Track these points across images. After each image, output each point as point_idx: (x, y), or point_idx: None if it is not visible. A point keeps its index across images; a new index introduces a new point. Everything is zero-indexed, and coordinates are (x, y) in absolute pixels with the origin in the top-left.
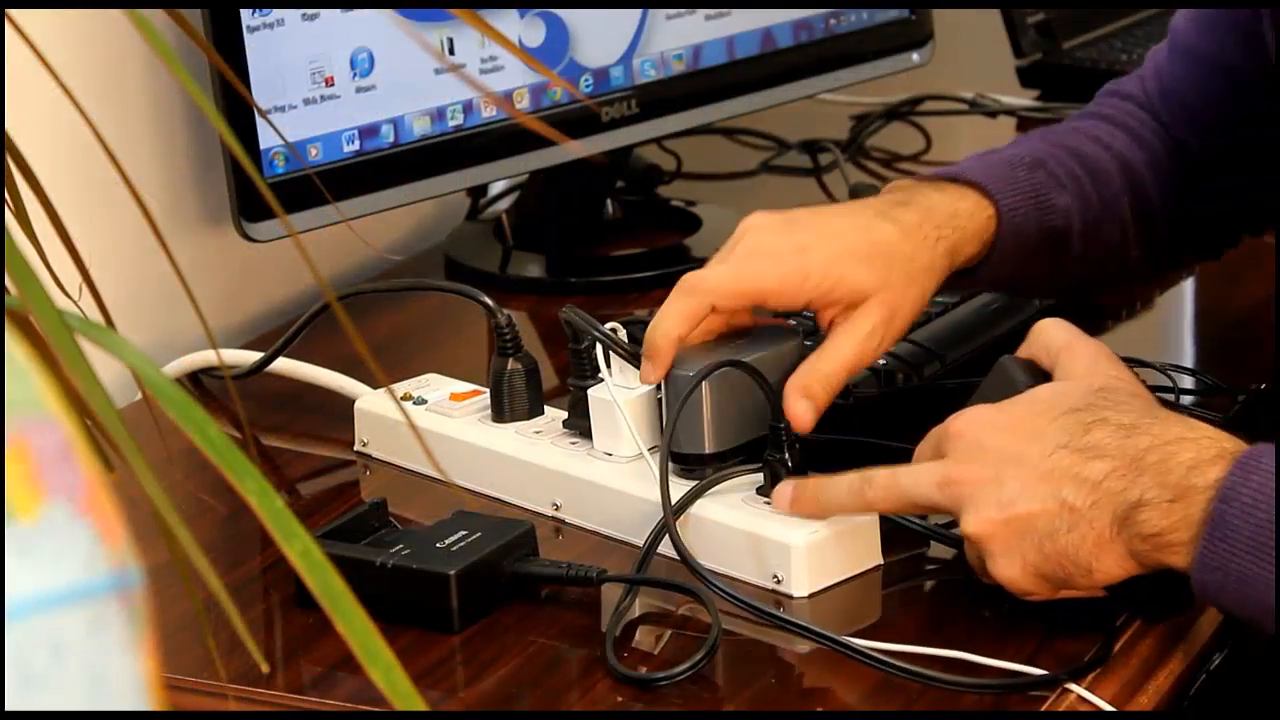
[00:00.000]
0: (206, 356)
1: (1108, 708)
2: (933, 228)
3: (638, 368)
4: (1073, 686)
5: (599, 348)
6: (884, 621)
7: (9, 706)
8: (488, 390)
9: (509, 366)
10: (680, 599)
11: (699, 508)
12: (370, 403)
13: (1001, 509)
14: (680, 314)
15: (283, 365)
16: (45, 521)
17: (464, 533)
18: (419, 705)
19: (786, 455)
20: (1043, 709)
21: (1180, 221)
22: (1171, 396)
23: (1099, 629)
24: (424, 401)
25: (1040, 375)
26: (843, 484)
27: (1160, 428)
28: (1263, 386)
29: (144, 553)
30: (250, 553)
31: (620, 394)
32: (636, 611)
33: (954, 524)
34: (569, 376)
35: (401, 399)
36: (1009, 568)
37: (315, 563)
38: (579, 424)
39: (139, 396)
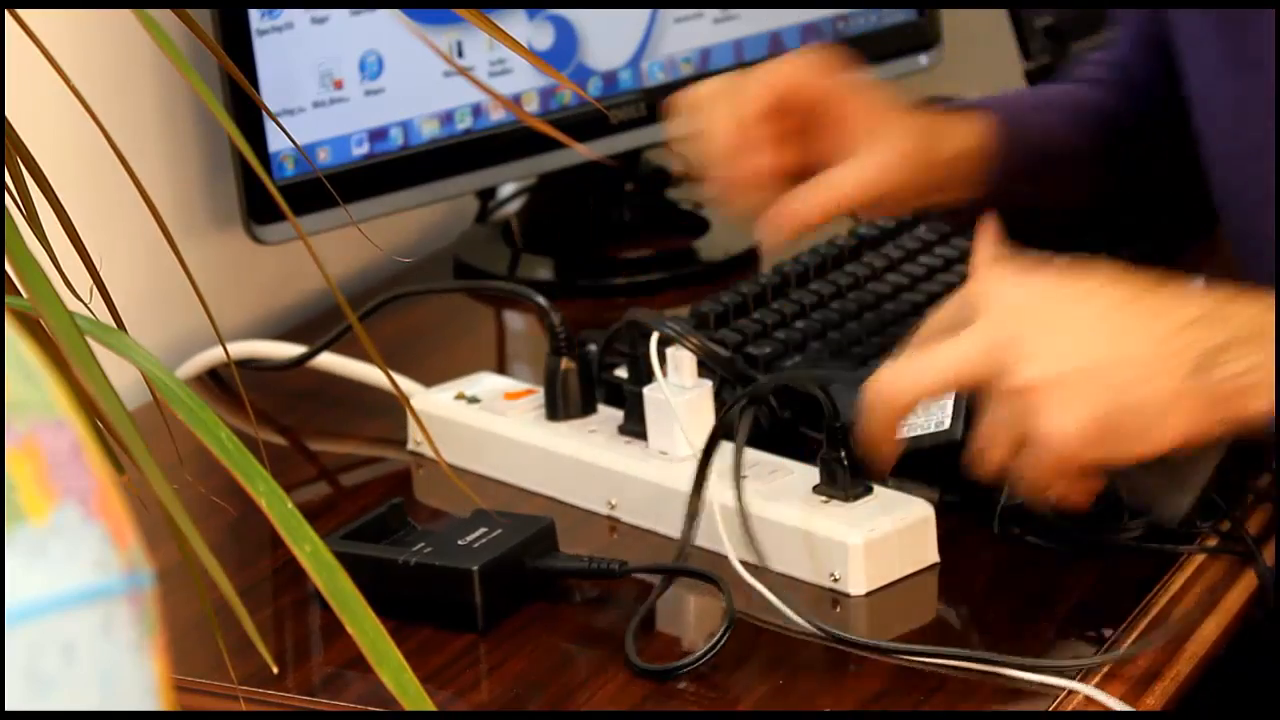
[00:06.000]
0: (219, 354)
1: (1115, 707)
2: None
3: (708, 365)
4: (1080, 687)
5: (654, 348)
6: (909, 620)
7: (19, 707)
8: (540, 389)
9: (563, 366)
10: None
11: (756, 506)
12: (425, 402)
13: (1064, 359)
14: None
15: (328, 361)
16: (56, 523)
17: (484, 529)
18: (428, 707)
19: (843, 454)
20: (1050, 709)
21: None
22: None
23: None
24: (477, 400)
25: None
26: (890, 387)
27: (1238, 298)
28: None
29: (155, 554)
30: (260, 554)
31: (675, 394)
32: (664, 602)
33: None
34: (625, 382)
35: (454, 398)
36: (1065, 422)
37: (324, 564)
38: (635, 429)
39: (149, 398)
